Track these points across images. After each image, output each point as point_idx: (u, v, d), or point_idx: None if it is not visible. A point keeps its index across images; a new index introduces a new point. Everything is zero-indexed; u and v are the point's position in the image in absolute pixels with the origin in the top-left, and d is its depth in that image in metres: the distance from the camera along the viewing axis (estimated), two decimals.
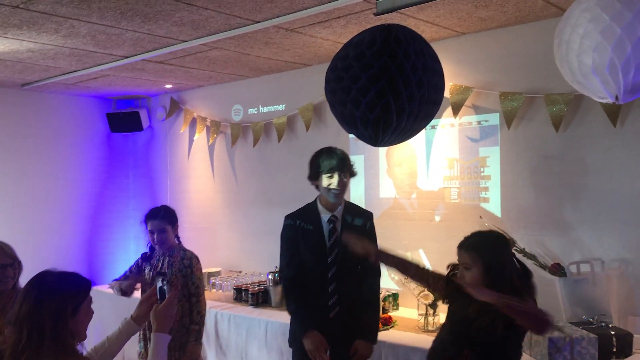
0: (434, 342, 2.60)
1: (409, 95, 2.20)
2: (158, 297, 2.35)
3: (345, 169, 3.13)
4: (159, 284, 2.35)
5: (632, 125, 3.39)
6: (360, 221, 3.21)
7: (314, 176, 3.16)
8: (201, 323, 3.56)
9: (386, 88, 2.21)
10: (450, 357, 2.44)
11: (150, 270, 3.60)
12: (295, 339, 3.20)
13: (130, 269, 3.75)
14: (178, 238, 3.69)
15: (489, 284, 2.33)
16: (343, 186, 3.13)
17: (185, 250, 3.65)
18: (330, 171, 3.08)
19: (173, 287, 3.38)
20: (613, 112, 3.38)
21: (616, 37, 2.16)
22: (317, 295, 3.12)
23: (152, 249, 3.68)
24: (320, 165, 3.11)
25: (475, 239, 2.47)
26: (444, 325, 2.62)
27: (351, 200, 4.62)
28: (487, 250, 2.41)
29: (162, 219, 3.58)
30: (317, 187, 3.18)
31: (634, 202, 3.39)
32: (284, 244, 3.23)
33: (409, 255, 4.32)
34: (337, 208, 3.19)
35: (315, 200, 3.25)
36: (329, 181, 3.10)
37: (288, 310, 3.21)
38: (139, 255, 3.76)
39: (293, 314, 3.18)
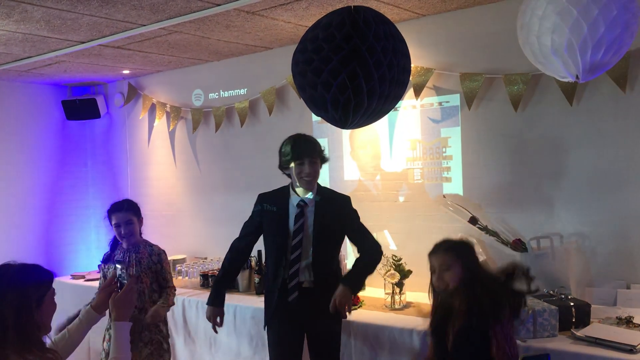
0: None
1: (380, 77, 2.22)
2: (117, 284, 2.33)
3: (316, 155, 3.13)
4: (118, 271, 2.34)
5: (587, 103, 3.50)
6: (332, 208, 3.23)
7: (285, 164, 3.16)
8: (171, 298, 3.60)
9: (358, 70, 2.22)
10: None
11: (115, 269, 3.53)
12: (267, 315, 3.25)
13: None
14: (141, 234, 3.66)
15: (467, 281, 2.48)
16: (314, 173, 3.14)
17: (151, 245, 3.63)
18: (300, 158, 3.08)
19: (138, 276, 3.37)
20: (569, 91, 3.48)
21: (573, 18, 2.23)
22: (276, 277, 3.16)
23: (113, 247, 3.60)
24: (290, 152, 3.10)
25: (450, 242, 2.65)
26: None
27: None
28: (464, 249, 2.60)
29: (127, 210, 3.54)
30: (289, 175, 3.20)
31: (590, 178, 3.51)
32: (249, 219, 3.32)
33: None
34: (307, 194, 3.20)
35: (290, 184, 3.27)
36: (300, 169, 3.10)
37: (217, 275, 3.39)
38: (100, 262, 3.67)
39: (215, 282, 3.36)
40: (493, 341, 2.37)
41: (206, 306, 3.33)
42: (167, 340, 3.66)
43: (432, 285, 2.64)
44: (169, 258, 5.24)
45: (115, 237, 3.61)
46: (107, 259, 3.59)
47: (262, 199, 3.28)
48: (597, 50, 2.23)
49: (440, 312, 2.59)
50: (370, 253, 3.25)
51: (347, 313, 3.11)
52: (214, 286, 3.40)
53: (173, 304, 3.64)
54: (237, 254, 3.34)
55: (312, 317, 3.14)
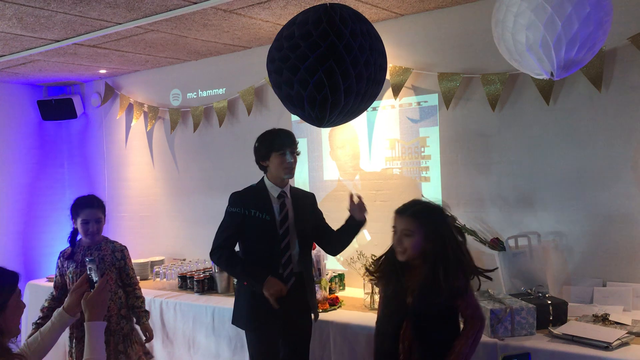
0: (376, 327, 2.67)
1: (357, 75, 2.21)
2: (89, 284, 2.28)
3: (294, 147, 3.20)
4: (88, 271, 2.29)
5: (563, 102, 3.52)
6: (304, 200, 3.33)
7: (265, 156, 3.19)
8: (143, 306, 3.55)
9: (335, 67, 2.21)
10: (391, 335, 2.51)
11: (76, 267, 3.44)
12: (249, 319, 3.16)
13: (55, 285, 3.56)
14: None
15: (428, 251, 2.44)
16: (295, 163, 3.20)
17: (112, 242, 3.57)
18: (282, 148, 3.13)
19: (103, 274, 3.29)
20: (546, 91, 3.50)
21: (547, 15, 2.24)
22: (270, 269, 3.11)
23: (72, 243, 3.50)
24: (272, 143, 3.15)
25: (418, 207, 2.55)
26: (380, 309, 2.67)
27: (296, 183, 4.65)
28: (430, 218, 2.49)
29: (98, 207, 3.47)
30: (266, 167, 3.21)
31: (566, 178, 3.53)
32: (225, 219, 3.22)
33: None
34: (285, 186, 3.25)
35: (262, 179, 3.26)
36: (282, 159, 3.14)
37: (234, 274, 3.27)
38: (58, 257, 3.58)
39: (243, 271, 3.14)
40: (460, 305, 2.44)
41: (256, 287, 3.05)
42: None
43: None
44: (147, 259, 5.22)
45: (73, 232, 3.48)
46: (69, 257, 3.48)
47: (239, 197, 3.21)
48: (572, 47, 2.24)
49: (397, 273, 2.55)
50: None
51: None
52: (250, 271, 3.12)
53: (148, 312, 3.60)
54: (231, 251, 3.20)
55: (292, 307, 3.12)
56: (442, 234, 2.46)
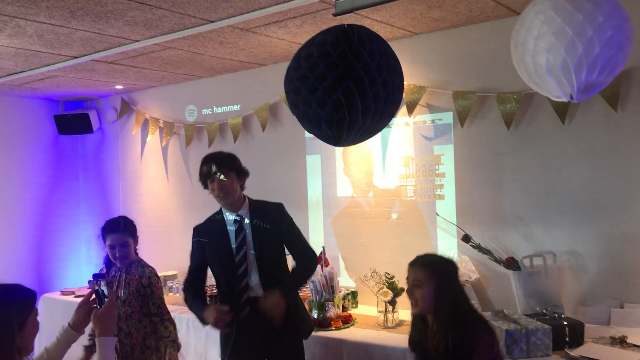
0: None
1: (374, 95, 2.22)
2: (97, 300, 2.28)
3: (225, 170, 3.09)
4: (96, 287, 2.30)
5: (579, 122, 3.51)
6: (268, 219, 3.18)
7: (204, 186, 3.17)
8: (172, 337, 3.36)
9: (352, 87, 2.22)
10: None
11: (95, 284, 3.41)
12: (224, 350, 3.18)
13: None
14: (136, 251, 3.47)
15: (437, 302, 2.42)
16: (225, 189, 3.09)
17: (144, 266, 3.41)
18: (209, 177, 3.09)
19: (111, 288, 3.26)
20: (562, 110, 3.49)
21: (568, 39, 2.24)
22: (229, 298, 3.12)
23: (108, 265, 3.43)
24: (200, 174, 3.14)
25: (429, 258, 2.57)
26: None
27: (309, 200, 4.66)
28: (440, 269, 2.49)
29: (124, 231, 3.34)
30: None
31: (582, 197, 3.51)
32: (191, 254, 3.28)
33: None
34: (241, 207, 3.17)
35: (220, 207, 3.24)
36: (212, 186, 3.10)
37: (188, 306, 3.23)
38: (91, 278, 3.54)
39: (191, 307, 3.18)
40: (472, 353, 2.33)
41: (201, 321, 3.09)
42: None
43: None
44: (161, 274, 5.21)
45: (107, 255, 3.42)
46: (99, 276, 3.47)
47: (198, 232, 3.25)
48: (592, 70, 2.24)
49: (418, 326, 2.57)
50: (302, 261, 3.24)
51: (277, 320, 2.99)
52: (194, 304, 3.18)
53: (177, 343, 3.41)
54: (194, 291, 3.23)
55: (267, 335, 3.07)
56: (452, 286, 2.46)
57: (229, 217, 3.17)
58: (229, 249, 3.12)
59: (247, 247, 3.12)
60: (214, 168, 3.08)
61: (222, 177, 3.07)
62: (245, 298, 3.10)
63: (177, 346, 3.40)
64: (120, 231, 3.34)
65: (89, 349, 3.44)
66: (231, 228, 3.15)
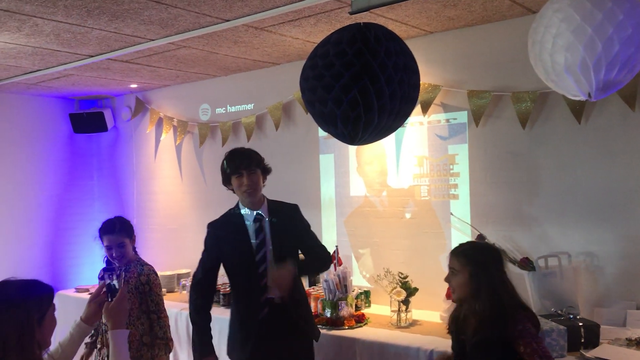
0: None
1: (391, 94, 2.22)
2: (108, 294, 2.30)
3: (253, 166, 3.07)
4: (108, 280, 2.31)
5: (595, 122, 3.48)
6: (286, 220, 3.18)
7: (226, 181, 3.13)
8: (166, 338, 3.40)
9: (369, 86, 2.21)
10: None
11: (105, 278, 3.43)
12: (235, 350, 3.14)
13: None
14: (135, 250, 3.52)
15: (474, 292, 2.41)
16: (253, 184, 3.07)
17: (142, 264, 3.46)
18: (237, 171, 3.05)
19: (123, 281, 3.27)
20: (578, 110, 3.47)
21: (587, 37, 2.22)
22: (248, 298, 3.09)
23: (108, 264, 3.44)
24: (226, 168, 3.09)
25: (468, 246, 2.57)
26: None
27: (322, 199, 4.66)
28: (476, 258, 2.46)
29: (120, 232, 3.38)
30: (234, 191, 3.15)
31: (598, 197, 3.48)
32: (205, 252, 3.21)
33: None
34: (261, 206, 3.15)
35: (237, 203, 3.20)
36: (239, 181, 3.05)
37: (190, 317, 3.16)
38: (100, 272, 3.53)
39: (195, 325, 3.13)
40: (518, 343, 2.29)
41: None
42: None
43: None
44: (174, 272, 5.25)
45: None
46: (109, 270, 3.49)
47: (213, 227, 3.19)
48: (611, 69, 2.21)
49: (455, 313, 2.57)
50: (319, 251, 3.24)
51: (279, 292, 2.97)
52: (200, 331, 3.11)
53: (169, 346, 3.43)
54: (203, 299, 3.17)
55: (285, 335, 3.06)
56: (488, 275, 2.40)
57: (248, 214, 3.13)
58: (248, 245, 3.08)
59: (267, 247, 3.08)
60: (243, 163, 3.05)
61: (250, 172, 3.05)
62: (264, 298, 3.06)
63: (169, 348, 3.43)
64: (116, 232, 3.37)
65: (91, 345, 3.50)
66: (250, 225, 3.11)
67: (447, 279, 2.54)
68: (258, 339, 3.05)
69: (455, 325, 2.56)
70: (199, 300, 3.16)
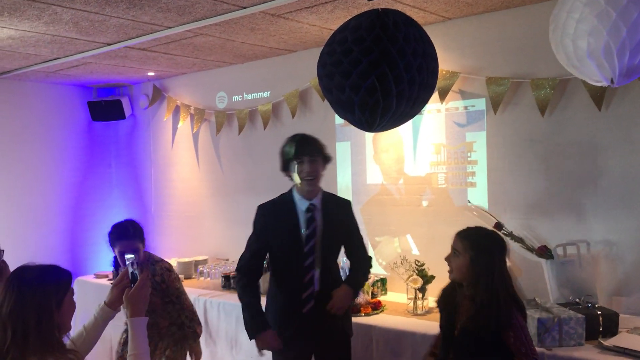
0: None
1: (410, 80, 2.20)
2: (130, 281, 2.33)
3: (315, 153, 2.98)
4: (130, 268, 2.34)
5: (616, 109, 3.44)
6: (339, 214, 3.13)
7: (285, 166, 3.04)
8: (193, 326, 3.40)
9: (387, 72, 2.19)
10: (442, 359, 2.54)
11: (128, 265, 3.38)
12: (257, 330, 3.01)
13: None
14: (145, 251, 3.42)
15: (472, 277, 2.40)
16: (315, 171, 2.98)
17: (153, 263, 3.38)
18: (299, 157, 2.95)
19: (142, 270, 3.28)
20: (598, 96, 3.42)
21: (611, 21, 2.18)
22: (291, 288, 3.03)
23: (116, 267, 3.36)
24: (288, 153, 2.98)
25: (474, 231, 2.53)
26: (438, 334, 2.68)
27: (338, 187, 4.66)
28: (479, 244, 2.44)
29: (133, 237, 3.24)
30: (291, 177, 3.04)
31: (618, 185, 3.45)
32: (254, 235, 3.11)
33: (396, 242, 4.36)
34: (315, 196, 3.06)
35: (290, 190, 3.12)
36: (300, 168, 2.95)
37: (239, 298, 3.07)
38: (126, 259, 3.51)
39: (244, 303, 3.03)
40: (509, 335, 2.31)
41: (257, 339, 2.97)
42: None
43: None
44: (192, 259, 5.29)
45: (115, 259, 3.33)
46: (130, 258, 3.48)
47: (263, 210, 3.10)
48: (636, 54, 2.17)
49: (449, 290, 2.57)
50: (360, 264, 3.22)
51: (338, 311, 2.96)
52: (249, 316, 3.01)
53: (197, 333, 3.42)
54: (249, 278, 3.08)
55: (322, 328, 3.00)
56: (488, 264, 2.38)
57: (301, 203, 3.04)
58: (297, 234, 2.99)
59: (317, 239, 2.99)
60: (306, 149, 2.96)
61: (312, 159, 2.96)
62: (310, 291, 2.99)
63: (197, 335, 3.43)
64: (130, 237, 3.23)
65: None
66: (302, 214, 3.02)
67: (447, 258, 2.51)
68: (297, 331, 3.00)
69: (446, 302, 2.55)
70: (245, 279, 3.06)
